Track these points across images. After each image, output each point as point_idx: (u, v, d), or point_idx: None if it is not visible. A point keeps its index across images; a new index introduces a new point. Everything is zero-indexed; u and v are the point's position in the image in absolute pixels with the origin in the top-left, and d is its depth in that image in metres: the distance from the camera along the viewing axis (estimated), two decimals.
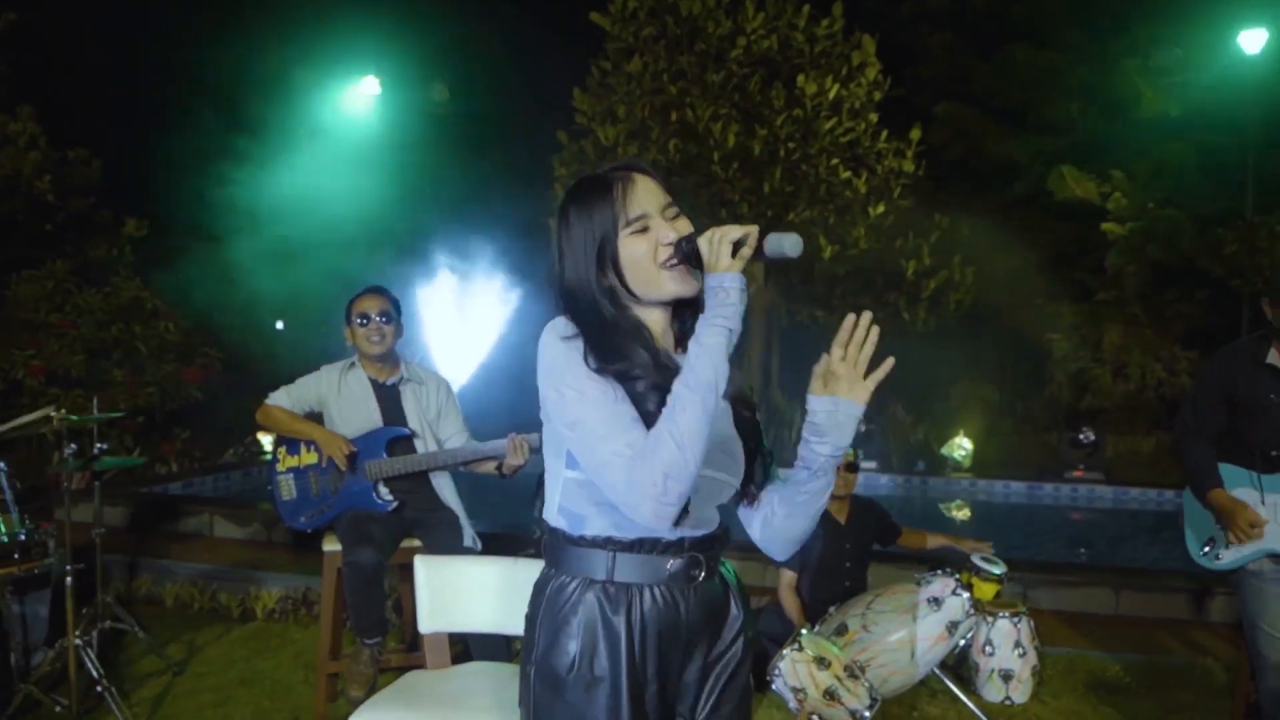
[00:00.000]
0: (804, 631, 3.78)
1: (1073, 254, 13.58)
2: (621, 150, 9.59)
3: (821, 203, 9.53)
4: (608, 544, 1.57)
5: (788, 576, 4.21)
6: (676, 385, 1.45)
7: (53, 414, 3.86)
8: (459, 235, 11.59)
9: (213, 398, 9.81)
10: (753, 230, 1.49)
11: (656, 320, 1.64)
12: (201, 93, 12.01)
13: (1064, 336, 13.13)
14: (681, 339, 1.66)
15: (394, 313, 3.93)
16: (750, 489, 1.68)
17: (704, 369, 1.44)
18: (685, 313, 1.66)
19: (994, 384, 13.30)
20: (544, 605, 1.62)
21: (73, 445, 3.92)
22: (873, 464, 9.72)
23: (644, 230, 1.58)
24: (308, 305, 11.71)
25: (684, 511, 1.48)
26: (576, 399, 1.52)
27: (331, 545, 3.79)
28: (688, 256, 1.53)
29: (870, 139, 9.66)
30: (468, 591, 2.38)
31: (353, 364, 3.93)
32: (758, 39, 9.36)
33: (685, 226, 1.59)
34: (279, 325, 13.72)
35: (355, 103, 11.93)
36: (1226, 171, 12.11)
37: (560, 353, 1.56)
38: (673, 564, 1.60)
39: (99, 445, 4.45)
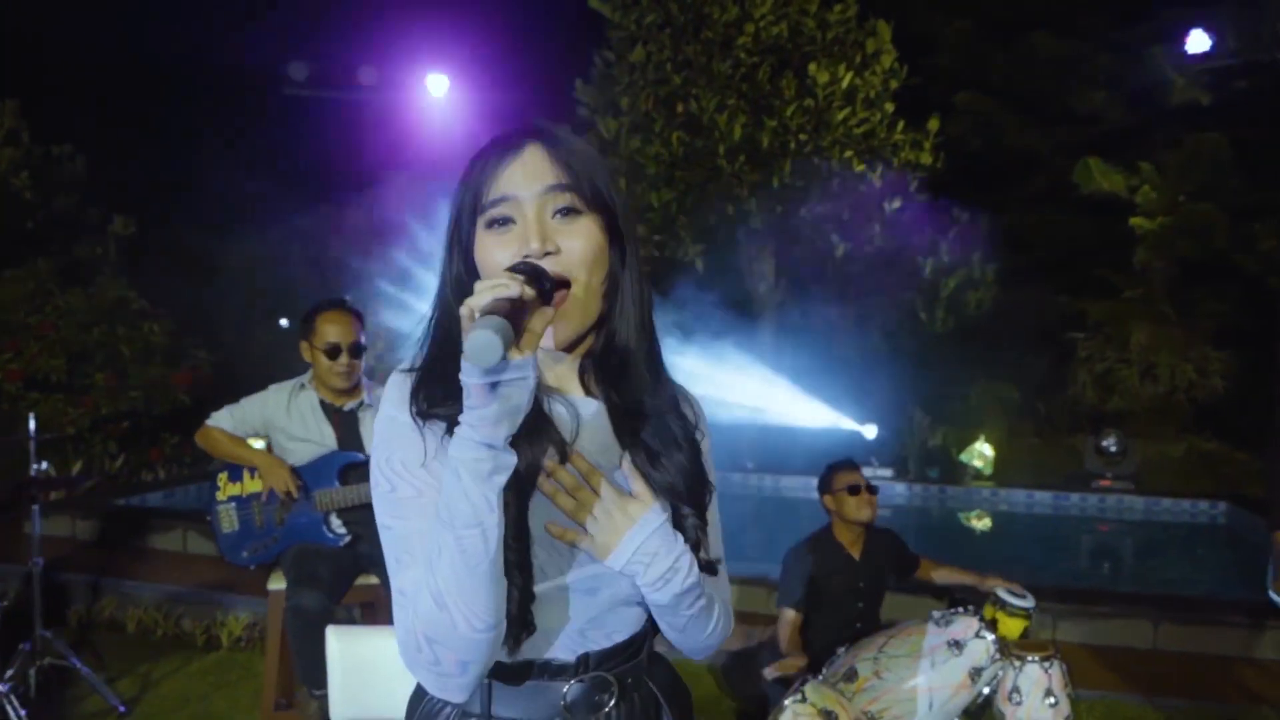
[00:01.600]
0: (808, 679, 3.38)
1: (1098, 249, 13.06)
2: (624, 144, 9.19)
3: (834, 197, 9.09)
4: None
5: (790, 615, 3.78)
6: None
7: None
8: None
9: (202, 401, 9.46)
10: (501, 290, 0.97)
11: (545, 364, 1.19)
12: (192, 87, 11.67)
13: (1089, 336, 12.67)
14: (603, 375, 1.21)
15: (363, 340, 3.49)
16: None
17: (453, 496, 1.01)
18: (606, 351, 1.21)
19: (1015, 385, 12.84)
20: None
21: None
22: (887, 472, 9.28)
23: (506, 223, 1.13)
24: (306, 303, 11.38)
25: (526, 633, 1.12)
26: (388, 487, 1.11)
27: (277, 584, 3.40)
28: (535, 281, 1.02)
29: (886, 130, 9.25)
30: (392, 670, 1.94)
31: (304, 384, 3.51)
32: (767, 26, 8.93)
33: (580, 232, 1.12)
34: (283, 323, 13.41)
35: (350, 94, 11.58)
36: (1262, 163, 11.61)
37: (392, 402, 1.14)
38: (570, 690, 1.18)
39: (37, 464, 4.07)
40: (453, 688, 1.10)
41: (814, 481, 4.03)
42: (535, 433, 1.12)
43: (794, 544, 3.90)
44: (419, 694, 1.25)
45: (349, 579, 3.36)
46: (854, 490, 3.75)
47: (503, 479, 1.02)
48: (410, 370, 1.16)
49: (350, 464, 3.42)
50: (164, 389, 9.18)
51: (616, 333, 1.19)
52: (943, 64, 13.59)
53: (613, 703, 1.19)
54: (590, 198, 1.14)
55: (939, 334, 10.14)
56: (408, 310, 8.97)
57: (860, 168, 9.01)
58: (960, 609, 3.55)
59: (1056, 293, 12.97)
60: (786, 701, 3.28)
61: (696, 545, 1.20)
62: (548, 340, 1.10)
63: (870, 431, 10.06)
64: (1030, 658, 3.66)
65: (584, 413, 1.19)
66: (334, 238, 11.81)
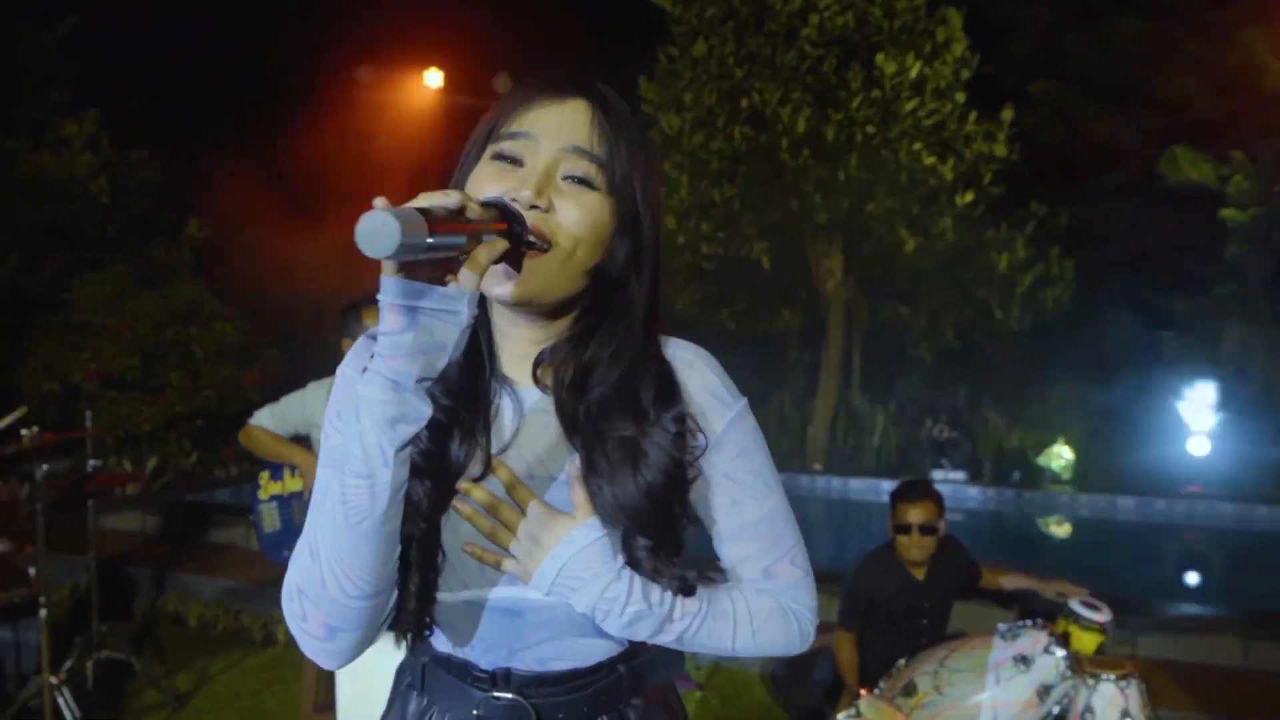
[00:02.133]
0: (863, 694, 3.22)
1: (1186, 243, 12.48)
2: (687, 140, 9.07)
3: (903, 191, 8.84)
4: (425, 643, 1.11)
5: (844, 638, 3.59)
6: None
7: (24, 433, 3.52)
8: None
9: (273, 400, 9.65)
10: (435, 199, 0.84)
11: (509, 321, 1.06)
12: (265, 91, 11.92)
13: (1177, 334, 12.11)
14: (564, 369, 1.05)
15: None
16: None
17: (349, 436, 0.89)
18: (577, 328, 1.06)
19: (1097, 386, 12.36)
20: (390, 694, 1.19)
21: (45, 467, 3.56)
22: (960, 475, 8.97)
23: (513, 162, 1.00)
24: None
25: (424, 630, 1.04)
26: (324, 437, 1.03)
27: None
28: (505, 217, 0.90)
29: (957, 121, 8.95)
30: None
31: None
32: (831, 16, 8.73)
33: (585, 205, 0.98)
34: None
35: (417, 95, 11.70)
36: None
37: (348, 362, 1.08)
38: (483, 700, 1.06)
39: (91, 462, 4.12)
40: (320, 651, 1.00)
41: (882, 484, 3.84)
42: (468, 429, 1.02)
43: (857, 562, 3.70)
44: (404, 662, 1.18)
45: None
46: (903, 530, 3.52)
47: (408, 431, 0.88)
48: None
49: None
50: (236, 388, 9.37)
51: (597, 331, 1.05)
52: (1018, 51, 13.13)
53: None
54: (613, 180, 1.01)
55: (1015, 332, 9.76)
56: None
57: (930, 160, 8.72)
58: (1029, 621, 3.34)
59: (1141, 289, 12.44)
60: (840, 716, 3.14)
61: (654, 573, 1.02)
62: (503, 289, 0.96)
63: (942, 433, 9.76)
64: (1105, 675, 3.42)
65: (530, 408, 1.06)
66: None
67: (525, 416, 1.05)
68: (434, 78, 11.58)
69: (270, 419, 3.46)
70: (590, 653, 1.08)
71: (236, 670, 4.65)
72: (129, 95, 10.15)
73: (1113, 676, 3.41)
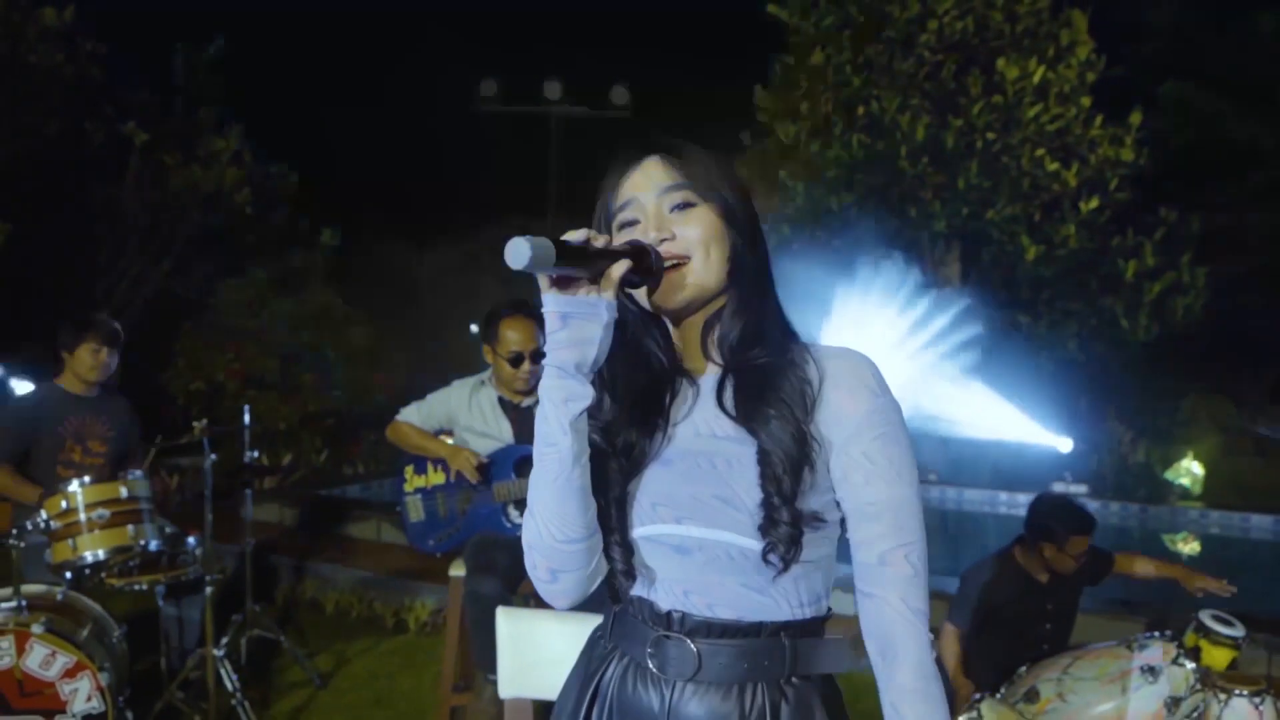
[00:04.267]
0: (983, 697, 3.22)
1: None
2: (803, 148, 9.10)
3: (1025, 198, 8.66)
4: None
5: (951, 631, 3.55)
6: None
7: (195, 425, 3.84)
8: None
9: (399, 402, 10.08)
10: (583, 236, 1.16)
11: (679, 333, 1.35)
12: (391, 107, 12.45)
13: None
14: (723, 337, 1.31)
15: (544, 345, 3.55)
16: (771, 560, 1.20)
17: (539, 418, 1.20)
18: (724, 312, 1.31)
19: (1231, 400, 11.79)
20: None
21: (213, 456, 3.88)
22: (1082, 488, 8.72)
23: (633, 224, 1.29)
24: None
25: (632, 574, 1.27)
26: None
27: (458, 570, 3.57)
28: (645, 261, 1.21)
29: (1082, 126, 8.71)
30: (558, 652, 2.02)
31: (484, 381, 3.67)
32: (950, 21, 8.61)
33: (696, 219, 1.26)
34: (474, 328, 14.09)
35: (536, 107, 12.02)
36: None
37: None
38: (655, 638, 1.26)
39: (249, 453, 4.44)
40: (549, 593, 1.28)
41: (1000, 496, 3.77)
42: (644, 406, 1.28)
43: (976, 561, 3.65)
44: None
45: (525, 569, 3.48)
46: (1060, 554, 3.39)
47: (577, 408, 1.17)
48: None
49: (526, 457, 3.54)
50: (365, 389, 9.83)
51: (738, 302, 1.29)
52: (1148, 52, 12.68)
53: (690, 672, 1.23)
54: (704, 191, 1.28)
55: (1142, 342, 9.42)
56: None
57: (1053, 166, 8.51)
58: (1158, 633, 3.29)
59: (1277, 300, 11.82)
60: (960, 718, 3.15)
61: (790, 497, 1.19)
62: (668, 300, 1.25)
63: (1065, 445, 9.50)
64: (1238, 691, 3.33)
65: (704, 388, 1.30)
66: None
67: (701, 394, 1.30)
68: (553, 89, 11.87)
69: (417, 415, 3.68)
70: (751, 607, 1.23)
71: (372, 654, 4.89)
72: (270, 111, 10.77)
73: (1246, 692, 3.32)
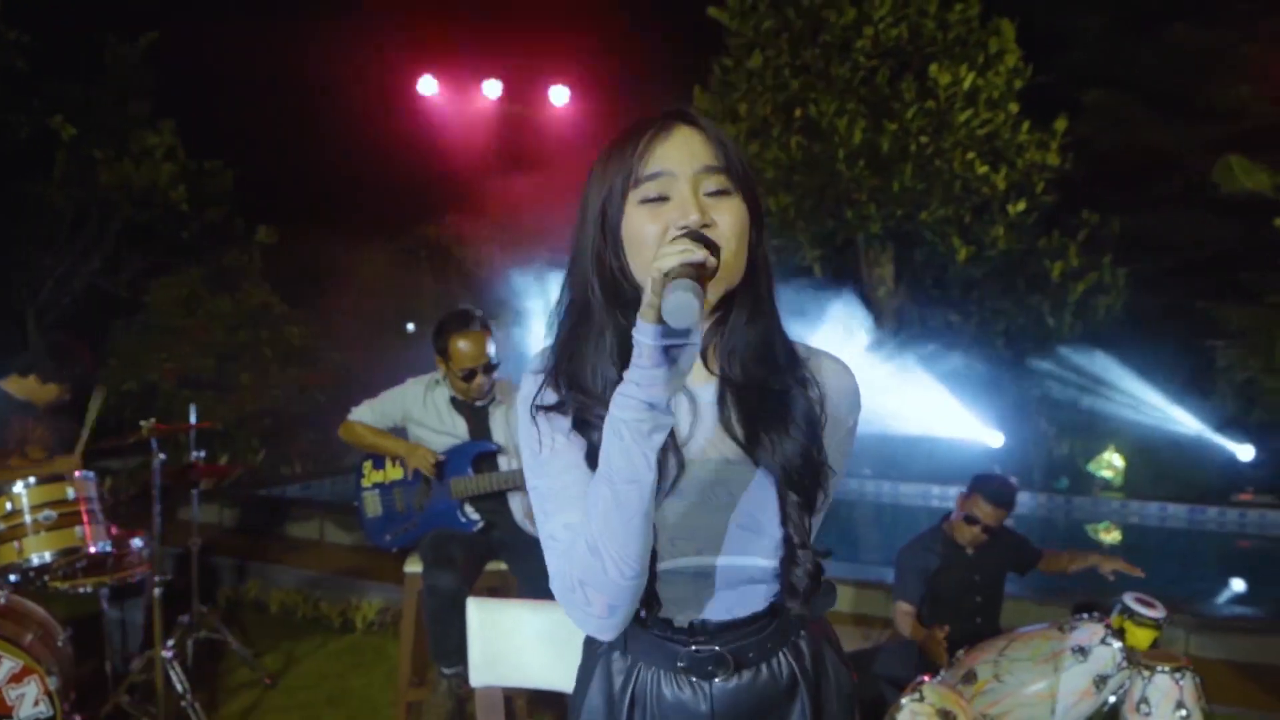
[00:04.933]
0: (926, 680, 3.37)
1: (1240, 253, 12.38)
2: (742, 150, 9.22)
3: (956, 200, 8.91)
4: None
5: (904, 607, 3.77)
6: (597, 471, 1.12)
7: (143, 424, 3.80)
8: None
9: (336, 401, 9.97)
10: (695, 256, 1.02)
11: None
12: (329, 101, 12.29)
13: (1229, 344, 12.01)
14: (728, 347, 1.24)
15: (494, 356, 3.56)
16: (793, 585, 1.23)
17: (612, 452, 1.08)
18: (732, 317, 1.23)
19: (1149, 394, 12.28)
20: (581, 661, 1.40)
21: (162, 456, 3.84)
22: (1011, 480, 9.02)
23: (660, 200, 1.16)
24: (431, 308, 11.84)
25: (654, 602, 1.22)
26: (532, 455, 1.23)
27: (414, 566, 3.60)
28: (711, 251, 1.07)
29: (1010, 131, 8.98)
30: (527, 641, 2.08)
31: (438, 380, 3.70)
32: (885, 28, 8.82)
33: (731, 210, 1.16)
34: (410, 327, 13.96)
35: (476, 105, 11.98)
36: None
37: (525, 391, 1.25)
38: (685, 654, 1.27)
39: (195, 453, 4.40)
40: (601, 627, 1.19)
41: (933, 490, 4.00)
42: None
43: (907, 541, 3.90)
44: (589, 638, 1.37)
45: (481, 563, 3.53)
46: (972, 521, 3.74)
47: (661, 438, 1.07)
48: (538, 372, 1.26)
49: (483, 454, 3.59)
50: (302, 388, 9.70)
51: (747, 307, 1.22)
52: (1073, 60, 13.12)
53: (725, 672, 1.26)
54: (739, 179, 1.19)
55: (1066, 340, 9.78)
56: (532, 317, 9.24)
57: (983, 170, 8.78)
58: (1087, 615, 3.48)
59: (1194, 298, 12.34)
60: (904, 700, 3.28)
61: (808, 534, 1.23)
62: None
63: (996, 440, 9.81)
64: (1161, 668, 3.54)
65: (701, 402, 1.24)
66: (458, 246, 12.24)
67: (699, 410, 1.24)
68: (493, 87, 11.84)
69: (370, 414, 3.70)
70: (764, 596, 1.28)
71: (320, 653, 4.87)
72: (203, 106, 10.55)
73: (1168, 669, 3.53)
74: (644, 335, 1.01)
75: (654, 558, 1.19)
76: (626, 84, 12.27)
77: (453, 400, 3.67)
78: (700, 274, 1.00)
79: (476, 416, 3.67)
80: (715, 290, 1.16)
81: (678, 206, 1.15)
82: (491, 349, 3.55)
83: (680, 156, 1.16)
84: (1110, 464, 9.47)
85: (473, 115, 12.15)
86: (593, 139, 12.61)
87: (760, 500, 1.21)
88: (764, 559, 1.23)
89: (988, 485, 3.77)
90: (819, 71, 9.10)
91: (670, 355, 1.02)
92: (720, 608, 1.26)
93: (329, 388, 10.00)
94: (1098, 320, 9.68)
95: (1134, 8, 12.79)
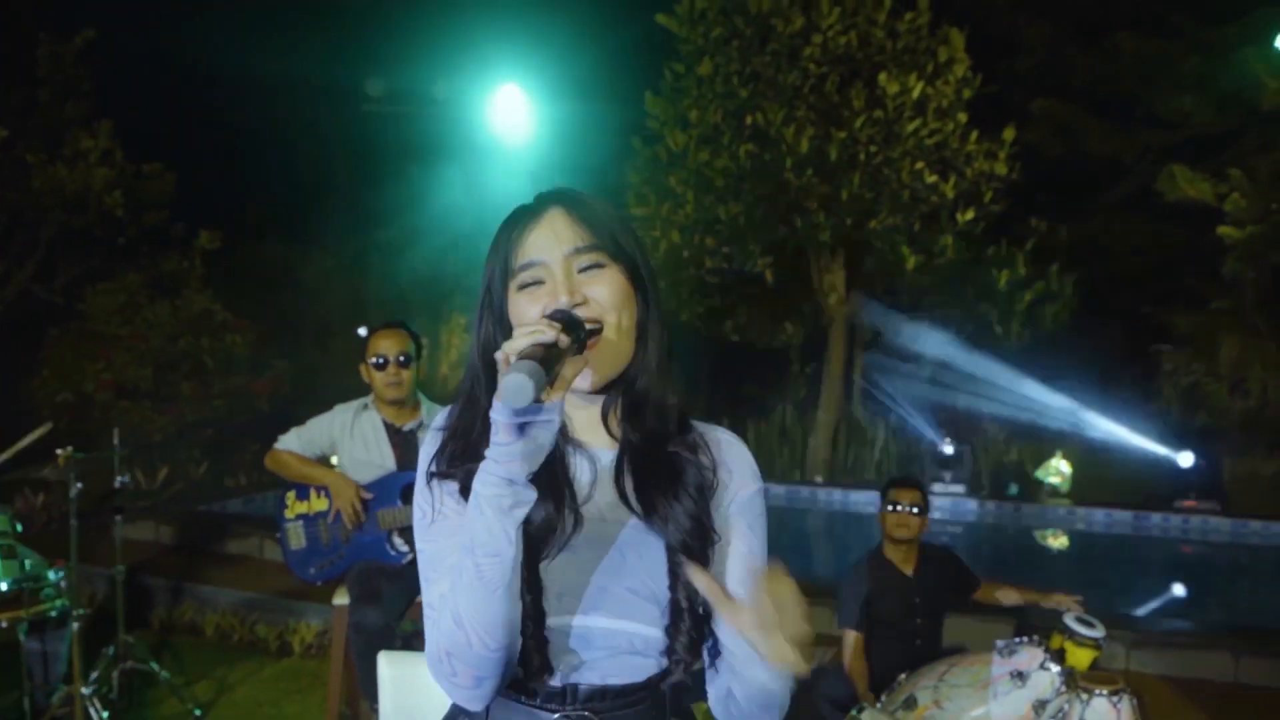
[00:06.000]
0: (864, 706, 3.34)
1: (1184, 260, 12.62)
2: (693, 157, 9.19)
3: (905, 209, 8.94)
4: None
5: (852, 638, 3.75)
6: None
7: (59, 453, 3.65)
8: None
9: (281, 410, 9.79)
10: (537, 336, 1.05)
11: (574, 405, 1.27)
12: (275, 105, 12.06)
13: (1175, 348, 12.25)
14: (626, 415, 1.27)
15: (413, 354, 3.59)
16: (677, 651, 1.22)
17: (475, 526, 1.09)
18: (630, 391, 1.27)
19: (1096, 400, 12.48)
20: None
21: (79, 485, 3.69)
22: (959, 488, 9.10)
23: (536, 284, 1.21)
24: (387, 313, 11.69)
25: (533, 659, 1.19)
26: (422, 517, 1.25)
27: (342, 599, 3.49)
28: (570, 329, 1.10)
29: (959, 140, 9.03)
30: (440, 695, 1.99)
31: (366, 405, 3.61)
32: (834, 36, 8.81)
33: (606, 281, 1.21)
34: (361, 332, 13.77)
35: (421, 109, 11.84)
36: None
37: (425, 451, 1.27)
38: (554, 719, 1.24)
39: (120, 478, 4.25)
40: (468, 698, 1.19)
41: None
42: (552, 488, 1.20)
43: (849, 565, 3.87)
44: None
45: (410, 596, 3.44)
46: (892, 507, 3.74)
47: (522, 513, 1.09)
48: (440, 430, 1.28)
49: (412, 483, 3.49)
50: (246, 398, 9.50)
51: (640, 375, 1.26)
52: (1021, 69, 13.28)
53: None
54: (613, 252, 1.22)
55: (1015, 347, 9.89)
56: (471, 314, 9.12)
57: (932, 179, 8.82)
58: (1026, 638, 3.47)
59: (1140, 304, 12.55)
60: None
61: (696, 601, 1.21)
62: (584, 382, 1.18)
63: (944, 446, 9.89)
64: (1099, 691, 3.53)
65: (601, 465, 1.26)
66: (410, 250, 12.09)
67: (599, 473, 1.26)
68: (440, 90, 11.70)
69: (297, 442, 3.59)
70: (642, 669, 1.24)
71: (255, 680, 4.75)
72: (143, 108, 10.28)
73: (1105, 692, 3.53)
74: (497, 414, 1.05)
75: (541, 615, 1.20)
76: (579, 87, 12.20)
77: (384, 425, 3.58)
78: (551, 353, 1.03)
79: (405, 444, 3.58)
80: (604, 359, 1.20)
81: (550, 291, 1.20)
82: (408, 346, 3.58)
83: (548, 243, 1.21)
84: (1058, 470, 9.57)
85: (420, 119, 12.01)
86: (544, 142, 12.53)
87: (651, 565, 1.22)
88: (649, 627, 1.22)
89: (888, 481, 3.90)
90: (768, 79, 9.08)
91: (528, 433, 1.05)
92: (597, 673, 1.23)
93: (275, 397, 9.82)
94: (1045, 327, 9.79)
95: (1078, 18, 12.97)
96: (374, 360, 3.54)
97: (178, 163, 10.17)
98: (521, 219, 1.24)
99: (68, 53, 9.85)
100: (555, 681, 1.23)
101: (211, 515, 7.52)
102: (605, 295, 1.20)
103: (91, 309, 9.23)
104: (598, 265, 1.21)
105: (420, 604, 3.43)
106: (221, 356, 9.42)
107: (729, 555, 1.28)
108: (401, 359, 3.54)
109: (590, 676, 1.23)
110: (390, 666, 2.09)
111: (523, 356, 1.01)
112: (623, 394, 1.26)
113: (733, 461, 1.31)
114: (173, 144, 10.63)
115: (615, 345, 1.21)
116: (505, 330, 1.24)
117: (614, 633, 1.21)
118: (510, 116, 11.52)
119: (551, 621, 1.21)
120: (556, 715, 1.23)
